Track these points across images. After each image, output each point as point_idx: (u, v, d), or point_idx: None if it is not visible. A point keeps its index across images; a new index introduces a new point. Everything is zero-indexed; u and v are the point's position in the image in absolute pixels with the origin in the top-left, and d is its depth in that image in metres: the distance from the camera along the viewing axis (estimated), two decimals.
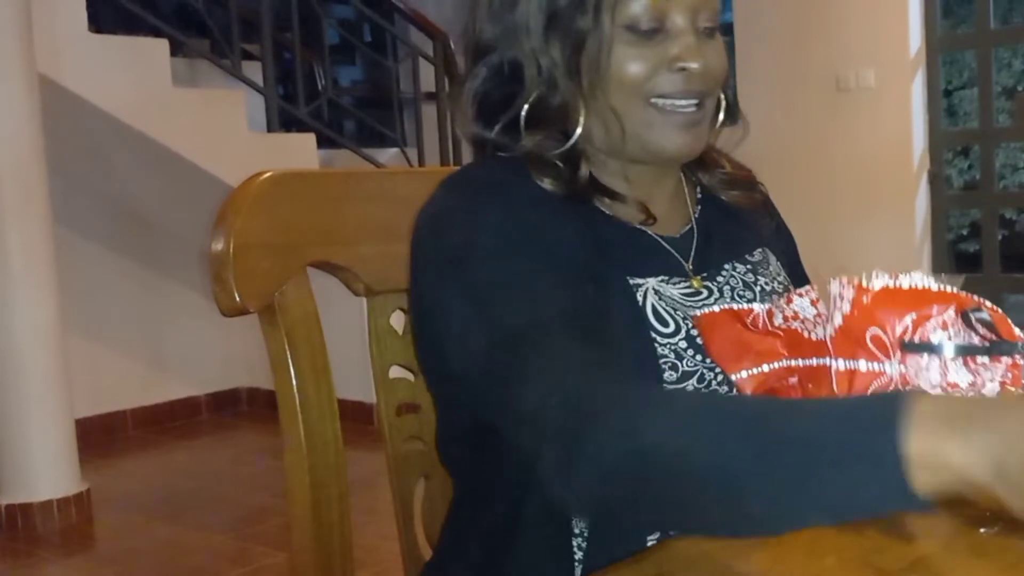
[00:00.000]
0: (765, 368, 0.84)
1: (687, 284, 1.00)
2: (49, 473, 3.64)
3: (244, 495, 3.93)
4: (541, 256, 0.90)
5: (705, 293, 1.00)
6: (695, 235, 1.05)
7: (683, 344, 0.94)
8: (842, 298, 0.79)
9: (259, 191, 1.09)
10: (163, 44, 4.34)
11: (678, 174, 1.09)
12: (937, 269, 5.10)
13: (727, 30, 5.68)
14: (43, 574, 3.43)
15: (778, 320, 0.89)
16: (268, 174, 1.11)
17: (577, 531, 0.95)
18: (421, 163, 4.91)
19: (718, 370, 0.95)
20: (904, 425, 0.66)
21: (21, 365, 3.58)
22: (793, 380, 0.83)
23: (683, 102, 0.98)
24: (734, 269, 1.04)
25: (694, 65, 0.96)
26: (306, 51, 5.00)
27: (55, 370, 3.65)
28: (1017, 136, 5.73)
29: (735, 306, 0.95)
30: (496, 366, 0.86)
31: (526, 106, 0.99)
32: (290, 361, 1.08)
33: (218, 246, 1.04)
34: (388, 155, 5.21)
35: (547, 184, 0.98)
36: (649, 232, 1.02)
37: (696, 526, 0.80)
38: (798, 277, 1.14)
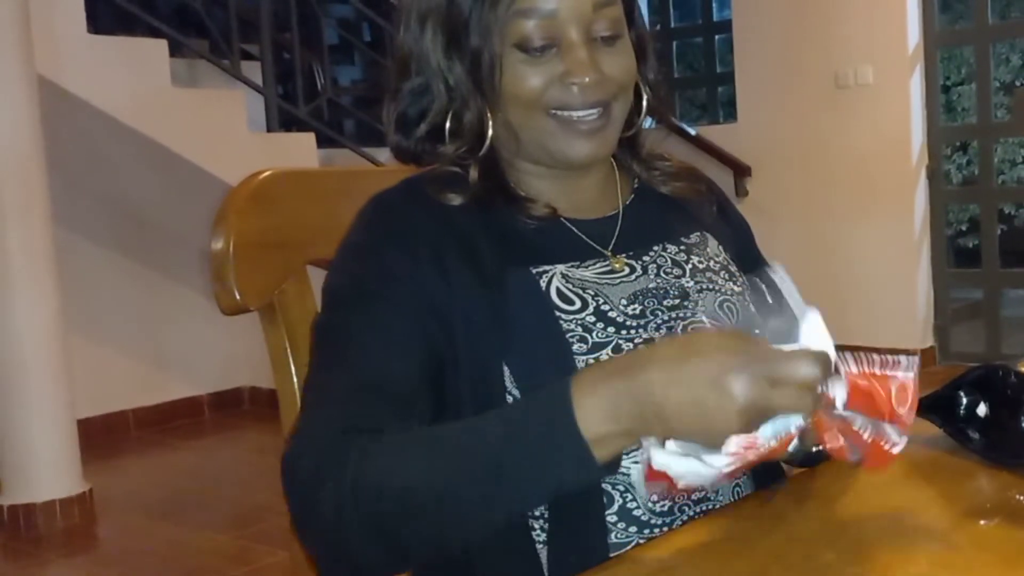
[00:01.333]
0: None
1: (604, 264, 1.03)
2: (51, 474, 3.64)
3: (246, 494, 3.93)
4: (384, 313, 0.95)
5: (627, 271, 1.04)
6: (619, 219, 1.09)
7: (591, 318, 0.98)
8: None
9: (258, 189, 1.10)
10: (162, 45, 4.34)
11: (606, 166, 1.12)
12: (936, 264, 5.10)
13: (726, 27, 5.68)
14: (45, 574, 3.44)
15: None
16: (267, 173, 1.11)
17: (537, 527, 0.97)
18: None
19: (637, 340, 0.98)
20: (570, 397, 0.79)
21: (23, 366, 3.58)
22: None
23: (581, 112, 1.01)
24: (664, 249, 1.08)
25: (585, 79, 0.99)
26: (305, 51, 4.99)
27: (57, 371, 3.65)
28: (1015, 131, 5.72)
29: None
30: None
31: (448, 121, 1.04)
32: (291, 359, 1.09)
33: (218, 245, 1.05)
34: (388, 154, 5.20)
35: (449, 199, 1.02)
36: (563, 221, 1.05)
37: (436, 545, 0.87)
38: (751, 261, 1.17)
